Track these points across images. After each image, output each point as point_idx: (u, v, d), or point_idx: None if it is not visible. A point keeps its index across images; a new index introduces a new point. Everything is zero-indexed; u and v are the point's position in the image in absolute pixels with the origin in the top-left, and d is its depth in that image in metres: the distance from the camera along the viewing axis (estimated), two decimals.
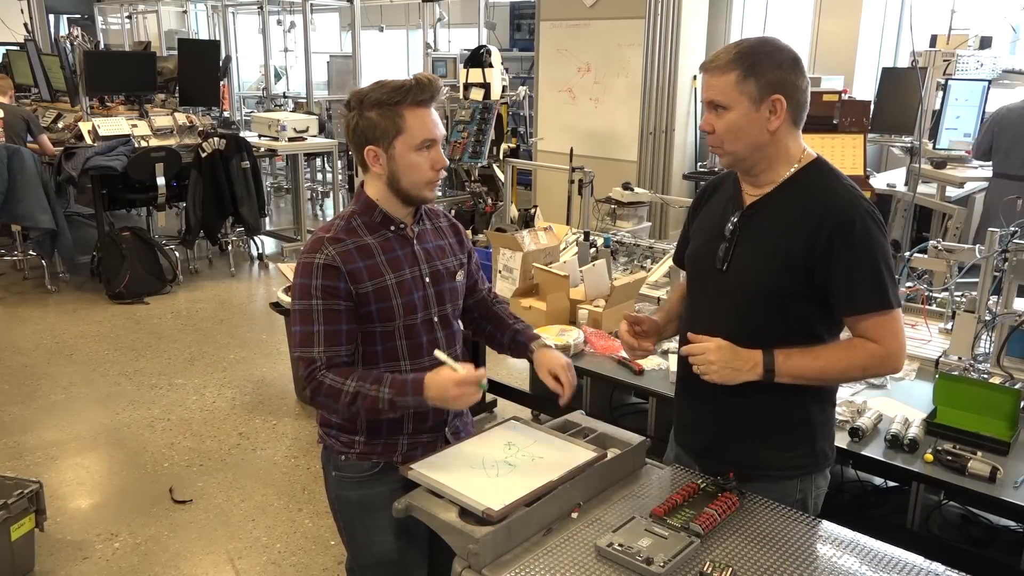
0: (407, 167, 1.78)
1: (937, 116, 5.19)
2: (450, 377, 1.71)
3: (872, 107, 5.00)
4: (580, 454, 1.81)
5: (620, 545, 1.53)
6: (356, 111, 1.78)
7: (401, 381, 1.75)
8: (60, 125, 7.38)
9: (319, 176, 10.04)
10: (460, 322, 2.07)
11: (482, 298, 2.12)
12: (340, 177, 8.20)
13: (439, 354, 1.80)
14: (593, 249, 3.60)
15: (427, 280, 1.88)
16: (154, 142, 6.55)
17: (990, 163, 5.00)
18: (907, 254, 2.92)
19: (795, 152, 1.73)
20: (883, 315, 1.67)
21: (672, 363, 2.51)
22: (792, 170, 1.73)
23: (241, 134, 7.07)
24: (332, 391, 1.76)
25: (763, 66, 1.65)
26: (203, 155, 6.31)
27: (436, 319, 1.90)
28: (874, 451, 2.12)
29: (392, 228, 1.86)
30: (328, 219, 2.40)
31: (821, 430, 1.83)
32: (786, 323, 1.73)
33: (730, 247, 1.76)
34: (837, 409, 2.13)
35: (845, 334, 1.77)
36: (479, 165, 5.82)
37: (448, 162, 1.89)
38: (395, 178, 1.80)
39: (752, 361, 1.70)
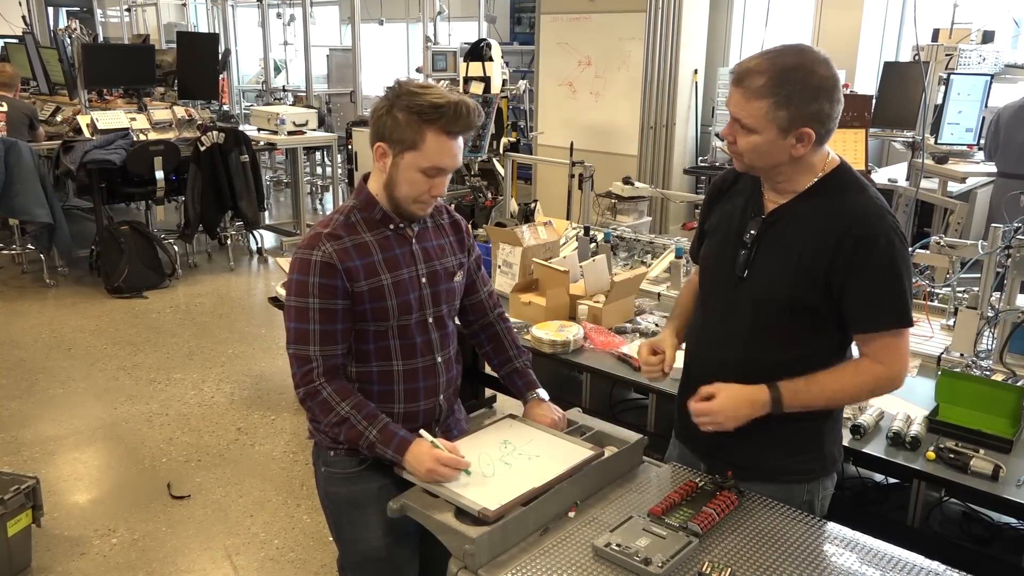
0: (406, 181, 1.74)
1: (939, 111, 5.15)
2: (431, 452, 1.70)
3: (874, 101, 4.98)
4: (577, 452, 1.80)
5: (618, 545, 1.52)
6: (390, 102, 1.72)
7: (390, 433, 1.74)
8: (58, 118, 7.36)
9: (319, 170, 10.01)
10: (458, 321, 2.05)
11: (480, 302, 2.08)
12: (340, 171, 8.17)
13: (423, 434, 1.78)
14: (593, 244, 3.58)
15: (424, 280, 1.85)
16: (153, 136, 6.53)
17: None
18: (909, 250, 2.90)
19: (818, 163, 1.69)
20: (896, 335, 1.66)
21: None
22: (815, 179, 1.69)
23: (240, 128, 7.04)
24: (325, 406, 1.76)
25: (799, 97, 1.56)
26: (202, 149, 6.28)
27: (431, 320, 1.88)
28: (876, 448, 2.10)
29: (391, 226, 1.83)
30: (328, 213, 2.37)
31: (830, 434, 1.82)
32: (801, 333, 1.70)
33: (750, 254, 1.72)
34: None
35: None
36: (479, 159, 5.78)
37: (446, 194, 1.84)
38: (392, 183, 1.77)
39: (760, 402, 1.67)
